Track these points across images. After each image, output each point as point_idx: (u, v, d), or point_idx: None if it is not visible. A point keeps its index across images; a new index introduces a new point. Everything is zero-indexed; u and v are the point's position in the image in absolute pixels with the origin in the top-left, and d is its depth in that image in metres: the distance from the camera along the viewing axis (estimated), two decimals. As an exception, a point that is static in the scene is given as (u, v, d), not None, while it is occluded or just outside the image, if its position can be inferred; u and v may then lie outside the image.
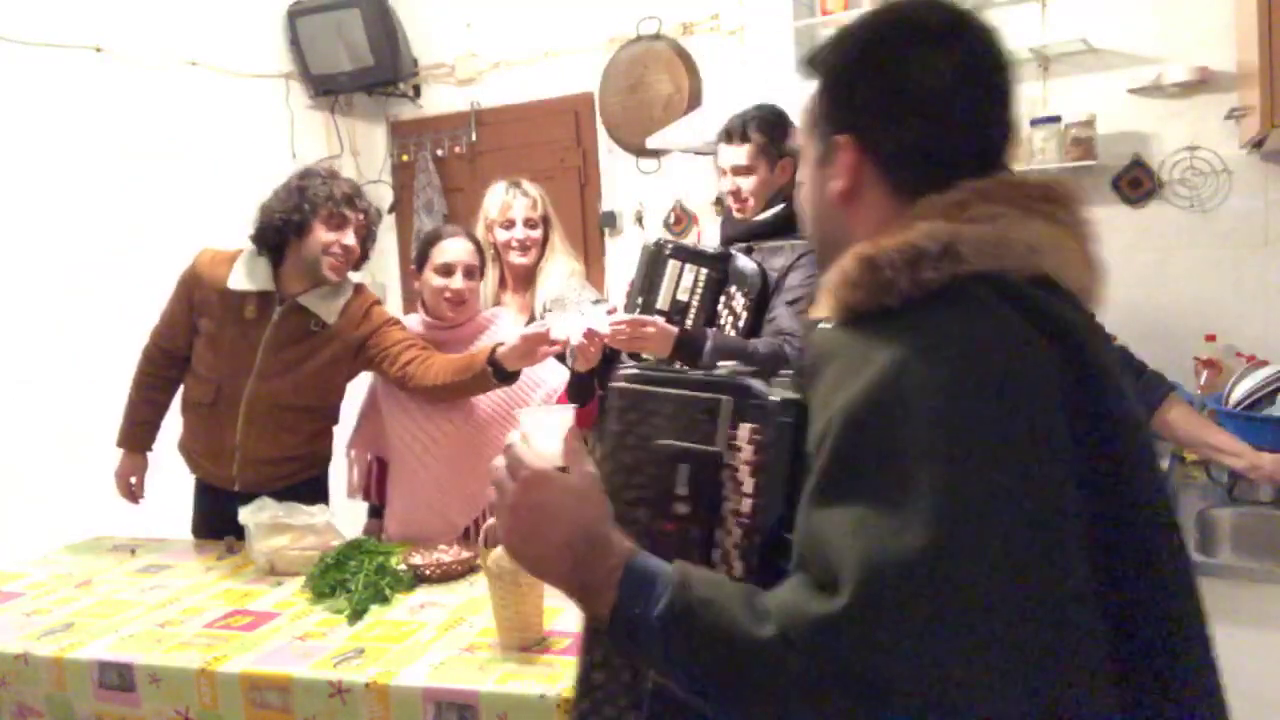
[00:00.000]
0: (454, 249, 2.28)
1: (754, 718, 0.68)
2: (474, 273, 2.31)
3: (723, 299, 2.24)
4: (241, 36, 3.70)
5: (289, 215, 2.22)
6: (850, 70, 0.83)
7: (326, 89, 3.96)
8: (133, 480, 2.48)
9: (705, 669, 0.71)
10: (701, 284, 2.26)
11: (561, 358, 2.20)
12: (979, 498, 0.65)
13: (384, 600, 1.87)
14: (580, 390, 2.24)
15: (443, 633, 1.71)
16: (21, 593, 2.07)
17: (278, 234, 2.25)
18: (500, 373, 2.09)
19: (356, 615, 1.80)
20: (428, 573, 1.99)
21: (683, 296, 2.27)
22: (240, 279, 2.28)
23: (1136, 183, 2.93)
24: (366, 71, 3.88)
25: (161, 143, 3.33)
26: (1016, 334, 0.72)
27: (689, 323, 2.24)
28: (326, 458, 2.49)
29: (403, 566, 2.00)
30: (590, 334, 2.07)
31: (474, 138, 4.07)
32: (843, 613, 0.64)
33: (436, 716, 1.48)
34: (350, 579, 1.90)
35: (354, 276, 2.39)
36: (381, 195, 4.14)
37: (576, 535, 0.78)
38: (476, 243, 2.35)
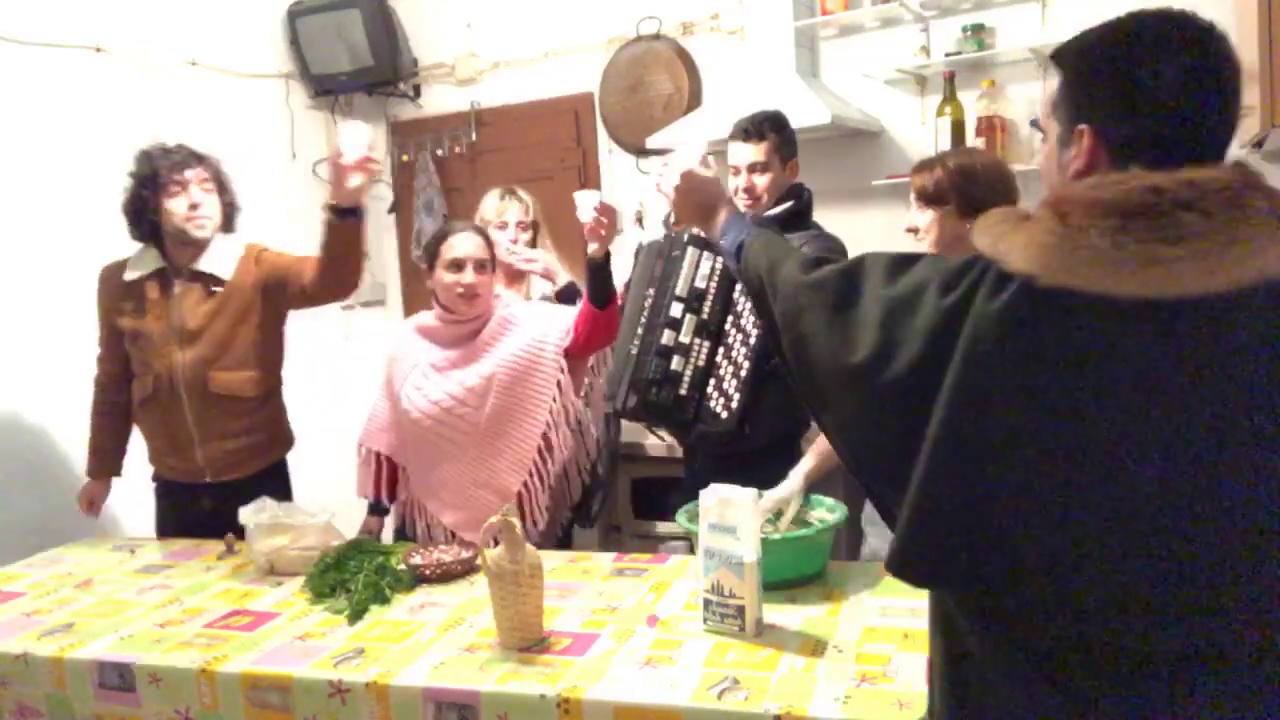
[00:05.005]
0: (463, 244, 2.29)
1: (761, 306, 1.29)
2: (485, 266, 2.31)
3: (739, 287, 2.26)
4: (241, 36, 3.70)
5: (136, 204, 2.35)
6: (1091, 71, 1.00)
7: (326, 89, 3.96)
8: (92, 505, 2.56)
9: (744, 272, 1.35)
10: (718, 272, 2.30)
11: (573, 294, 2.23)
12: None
13: (384, 600, 1.87)
14: (599, 283, 2.19)
15: (443, 633, 1.71)
16: (21, 593, 2.07)
17: (141, 221, 2.36)
18: (339, 213, 2.16)
19: (356, 615, 1.80)
20: (428, 573, 1.99)
21: (700, 284, 2.31)
22: (134, 269, 2.40)
23: (1137, 183, 2.94)
24: (366, 71, 3.88)
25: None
26: None
27: (706, 311, 2.29)
28: (288, 435, 2.56)
29: (403, 566, 2.00)
30: (604, 208, 2.14)
31: (474, 138, 4.06)
32: (804, 283, 1.18)
33: (436, 716, 1.48)
34: (350, 579, 1.91)
35: (311, 249, 2.42)
36: (382, 195, 4.15)
37: (710, 199, 1.49)
38: (485, 236, 2.36)
